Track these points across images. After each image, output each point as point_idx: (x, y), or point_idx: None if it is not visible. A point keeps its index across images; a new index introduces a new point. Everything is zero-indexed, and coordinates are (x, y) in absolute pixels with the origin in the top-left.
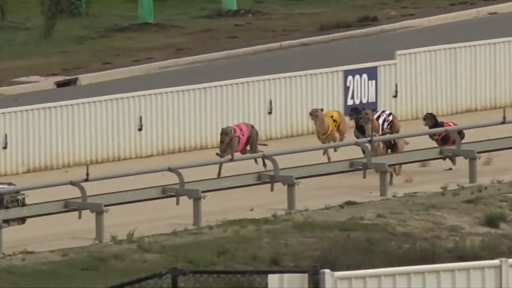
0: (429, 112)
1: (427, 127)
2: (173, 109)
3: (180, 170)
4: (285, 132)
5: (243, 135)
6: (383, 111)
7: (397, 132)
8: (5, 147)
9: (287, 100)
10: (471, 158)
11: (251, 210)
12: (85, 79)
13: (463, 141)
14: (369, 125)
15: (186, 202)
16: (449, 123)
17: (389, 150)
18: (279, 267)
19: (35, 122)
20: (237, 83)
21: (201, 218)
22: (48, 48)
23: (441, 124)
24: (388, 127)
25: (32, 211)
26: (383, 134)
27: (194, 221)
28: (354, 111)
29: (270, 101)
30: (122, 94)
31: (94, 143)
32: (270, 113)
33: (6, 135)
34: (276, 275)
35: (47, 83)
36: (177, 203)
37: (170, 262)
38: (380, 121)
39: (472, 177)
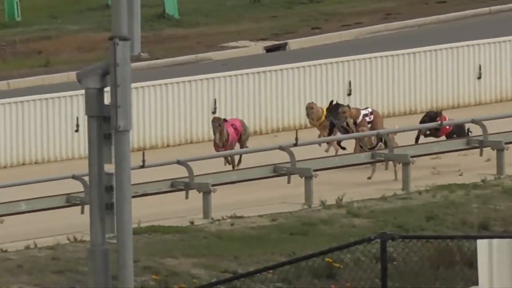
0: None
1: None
2: (382, 74)
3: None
4: (495, 97)
5: (235, 129)
6: (366, 108)
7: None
8: (214, 112)
9: (497, 65)
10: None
11: (460, 175)
12: (294, 44)
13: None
14: (351, 120)
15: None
16: (446, 117)
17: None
18: (488, 232)
19: (244, 87)
20: (446, 48)
21: (410, 183)
22: (257, 13)
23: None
24: (369, 126)
25: (241, 176)
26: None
27: (403, 186)
28: (330, 112)
29: (480, 66)
30: (331, 59)
31: (304, 108)
32: (479, 78)
33: (215, 100)
34: (485, 240)
35: (256, 48)
36: (386, 168)
37: (379, 227)
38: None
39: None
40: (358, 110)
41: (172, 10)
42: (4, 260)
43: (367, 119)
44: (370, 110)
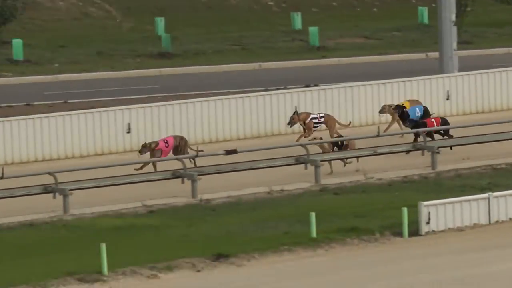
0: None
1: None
2: None
3: None
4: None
5: (167, 146)
6: (319, 113)
7: (331, 128)
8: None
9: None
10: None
11: None
12: None
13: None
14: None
15: None
16: (432, 120)
17: (335, 148)
18: None
19: None
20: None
21: None
22: None
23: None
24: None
25: None
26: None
27: None
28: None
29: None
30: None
31: None
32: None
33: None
34: None
35: None
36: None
37: None
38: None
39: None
40: (308, 114)
41: None
42: None
43: (316, 120)
44: (322, 114)
